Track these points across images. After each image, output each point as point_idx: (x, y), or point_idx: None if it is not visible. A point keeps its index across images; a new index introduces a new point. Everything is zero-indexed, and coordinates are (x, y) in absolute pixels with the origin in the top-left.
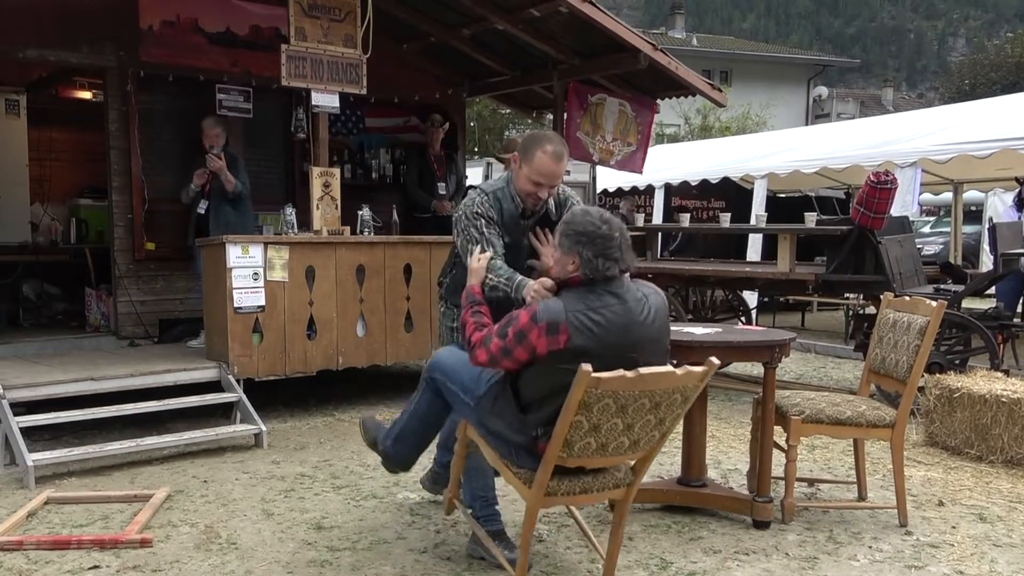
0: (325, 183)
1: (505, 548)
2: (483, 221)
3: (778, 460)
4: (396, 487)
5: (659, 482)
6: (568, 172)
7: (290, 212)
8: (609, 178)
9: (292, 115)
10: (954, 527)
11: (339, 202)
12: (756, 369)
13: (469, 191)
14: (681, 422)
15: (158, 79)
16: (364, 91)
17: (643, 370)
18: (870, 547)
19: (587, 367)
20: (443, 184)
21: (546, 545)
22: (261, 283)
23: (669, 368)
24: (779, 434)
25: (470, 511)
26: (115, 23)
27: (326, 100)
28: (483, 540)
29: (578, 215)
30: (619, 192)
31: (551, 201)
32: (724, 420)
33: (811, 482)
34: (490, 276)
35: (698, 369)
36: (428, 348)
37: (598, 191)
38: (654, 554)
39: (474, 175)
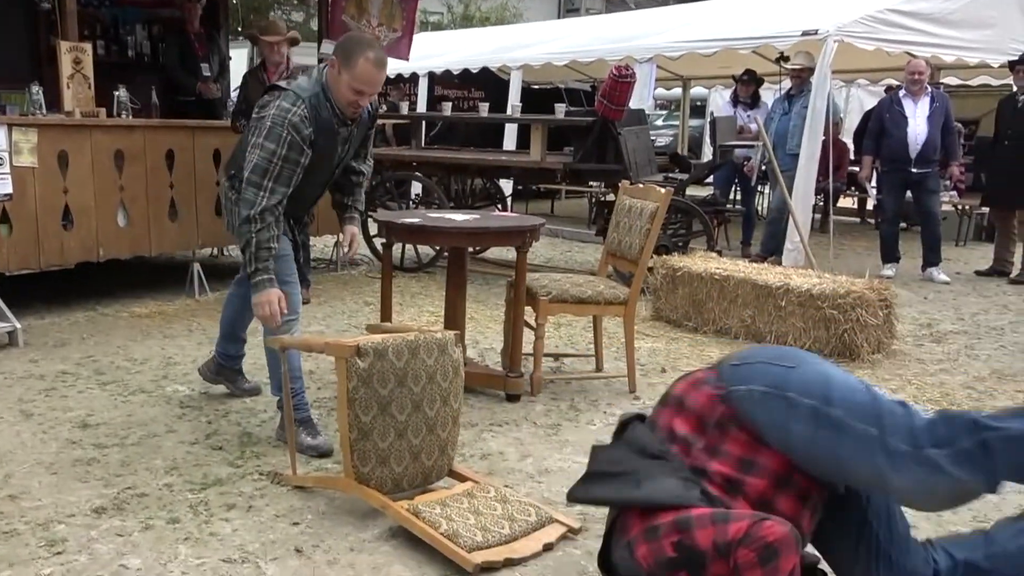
0: (76, 59)
1: (309, 435)
2: (295, 149)
3: (528, 338)
4: (165, 380)
5: None
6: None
7: (37, 91)
8: None
9: None
10: None
11: (92, 81)
12: (511, 253)
13: (283, 93)
14: (443, 307)
15: None
16: None
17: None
18: (604, 412)
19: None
20: (206, 65)
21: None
22: (7, 169)
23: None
24: (530, 314)
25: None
26: None
27: None
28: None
29: None
30: (385, 80)
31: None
32: (481, 303)
33: (556, 357)
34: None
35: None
36: (195, 238)
37: None
38: None
39: (238, 56)
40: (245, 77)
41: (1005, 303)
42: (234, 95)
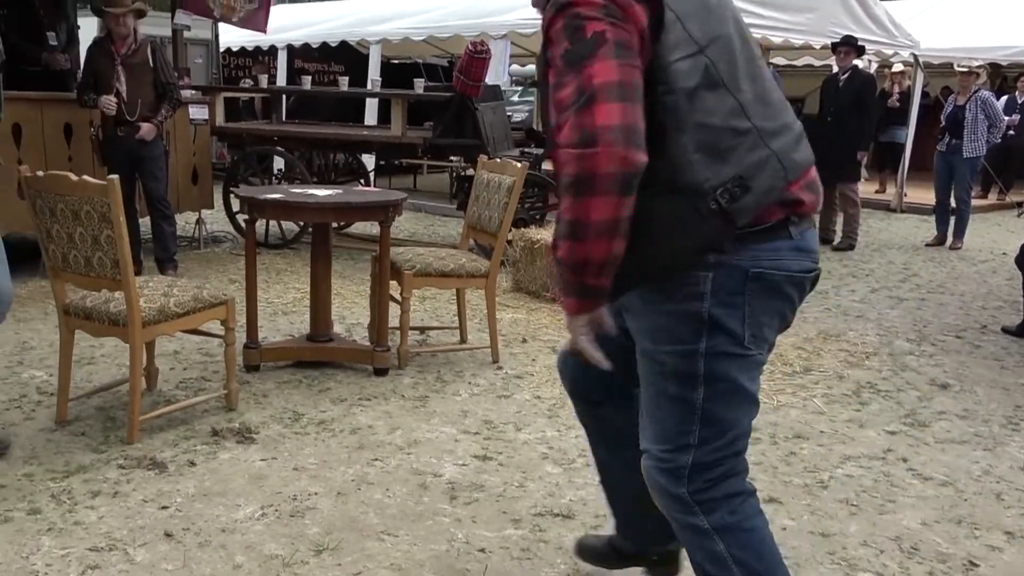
0: None
1: None
2: None
3: (394, 312)
4: (20, 366)
5: (290, 340)
6: (188, 28)
7: None
8: (231, 36)
9: None
10: (534, 360)
11: None
12: (375, 228)
13: None
14: (309, 283)
15: None
16: None
17: (41, 173)
18: (469, 383)
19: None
20: (52, 34)
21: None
22: None
23: (67, 173)
24: (395, 288)
25: None
26: None
27: None
28: None
29: None
30: (243, 52)
31: None
32: (347, 278)
33: (422, 330)
34: None
35: (95, 182)
36: None
37: (221, 50)
38: (287, 408)
39: (88, 26)
40: (91, 49)
41: (829, 269)
42: None
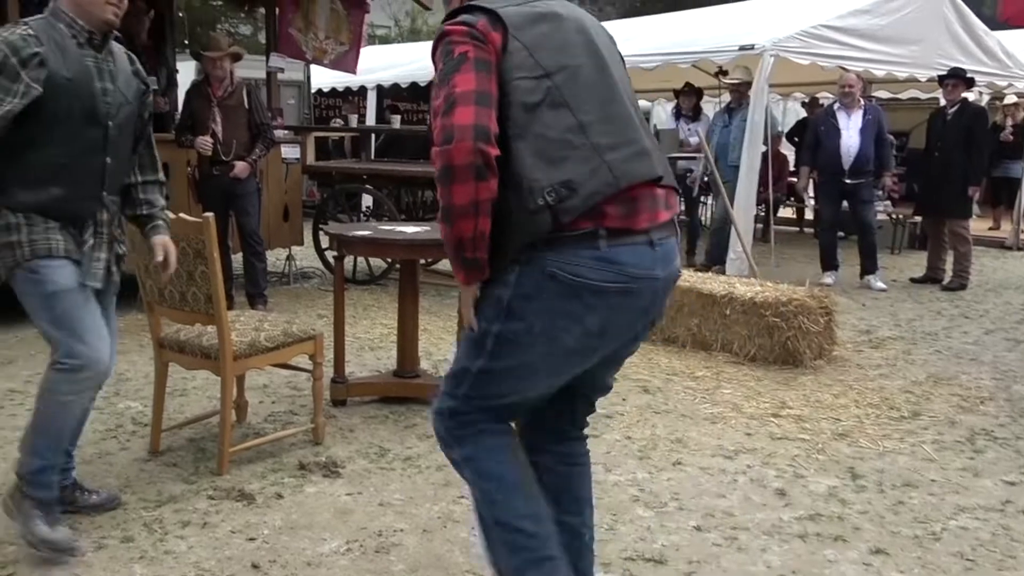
0: None
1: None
2: (6, 72)
3: None
4: (116, 397)
5: (376, 376)
6: (282, 70)
7: None
8: (323, 77)
9: None
10: (624, 399)
11: None
12: None
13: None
14: (396, 319)
15: None
16: None
17: None
18: None
19: None
20: (154, 78)
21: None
22: None
23: None
24: None
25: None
26: None
27: None
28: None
29: None
30: (333, 92)
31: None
32: (435, 314)
33: None
34: None
35: (191, 219)
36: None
37: (313, 91)
38: (373, 443)
39: (187, 70)
40: (189, 92)
41: (939, 309)
42: None
